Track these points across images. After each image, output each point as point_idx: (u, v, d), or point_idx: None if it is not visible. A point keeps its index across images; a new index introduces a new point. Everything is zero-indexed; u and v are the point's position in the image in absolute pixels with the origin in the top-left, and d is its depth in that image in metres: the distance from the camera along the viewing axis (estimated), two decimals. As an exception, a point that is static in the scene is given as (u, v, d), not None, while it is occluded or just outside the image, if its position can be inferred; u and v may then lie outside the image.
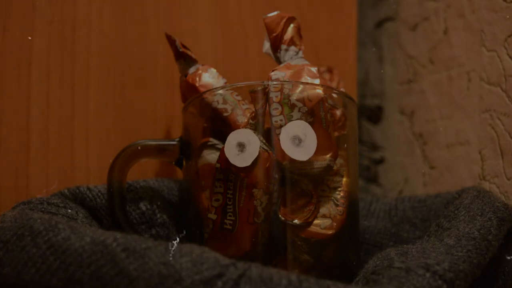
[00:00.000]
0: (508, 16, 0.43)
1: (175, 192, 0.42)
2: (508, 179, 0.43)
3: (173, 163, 0.40)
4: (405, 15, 0.57)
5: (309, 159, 0.35)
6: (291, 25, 0.38)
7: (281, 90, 0.35)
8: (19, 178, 0.41)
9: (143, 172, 0.44)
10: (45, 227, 0.30)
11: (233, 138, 0.34)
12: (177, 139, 0.39)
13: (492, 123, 0.45)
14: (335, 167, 0.37)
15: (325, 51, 0.53)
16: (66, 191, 0.39)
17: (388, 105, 0.59)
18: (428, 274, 0.29)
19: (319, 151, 0.35)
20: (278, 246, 0.35)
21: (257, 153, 0.34)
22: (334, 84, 0.45)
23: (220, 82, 0.40)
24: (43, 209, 0.35)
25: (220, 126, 0.37)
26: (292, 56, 0.38)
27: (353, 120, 0.39)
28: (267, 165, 0.34)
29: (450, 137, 0.50)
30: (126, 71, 0.45)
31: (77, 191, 0.39)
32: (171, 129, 0.47)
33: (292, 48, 0.38)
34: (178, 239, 0.41)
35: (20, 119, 0.42)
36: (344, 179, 0.37)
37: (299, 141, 0.34)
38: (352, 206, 0.38)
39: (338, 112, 0.39)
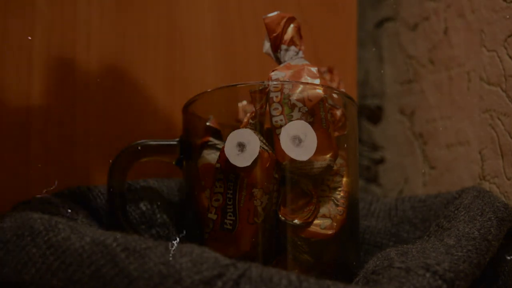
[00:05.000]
0: (508, 16, 0.43)
1: (175, 192, 0.42)
2: (508, 179, 0.43)
3: (173, 163, 0.40)
4: (405, 15, 0.57)
5: (309, 159, 0.35)
6: (291, 25, 0.38)
7: (281, 90, 0.35)
8: (19, 178, 0.41)
9: (143, 172, 0.44)
10: (45, 227, 0.30)
11: (233, 138, 0.34)
12: (177, 139, 0.39)
13: (492, 123, 0.45)
14: (335, 167, 0.37)
15: (325, 51, 0.53)
16: (66, 191, 0.39)
17: (388, 105, 0.59)
18: (428, 274, 0.29)
19: (319, 151, 0.35)
20: (278, 246, 0.35)
21: (257, 153, 0.34)
22: (334, 85, 0.45)
23: None
24: (43, 209, 0.35)
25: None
26: (292, 56, 0.38)
27: (353, 120, 0.39)
28: (267, 165, 0.34)
29: (450, 137, 0.50)
30: (126, 70, 0.45)
31: (77, 191, 0.39)
32: (171, 129, 0.47)
33: (292, 48, 0.38)
34: (178, 239, 0.41)
35: (20, 119, 0.42)
36: (344, 179, 0.37)
37: (299, 141, 0.34)
38: (352, 206, 0.38)
39: (338, 112, 0.38)
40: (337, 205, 0.36)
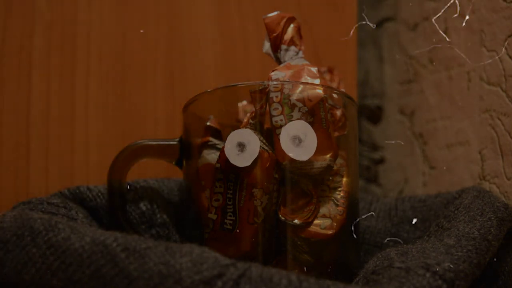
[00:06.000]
0: (508, 16, 0.43)
1: (175, 192, 0.42)
2: (508, 179, 0.43)
3: (173, 163, 0.40)
4: (405, 15, 0.57)
5: (309, 159, 0.35)
6: (291, 25, 0.38)
7: (281, 90, 0.35)
8: (19, 178, 0.41)
9: (143, 172, 0.44)
10: (45, 227, 0.30)
11: (233, 138, 0.34)
12: (177, 139, 0.39)
13: (492, 123, 0.45)
14: (335, 167, 0.37)
15: (325, 51, 0.53)
16: (66, 191, 0.39)
17: (388, 105, 0.59)
18: (428, 274, 0.29)
19: (319, 151, 0.35)
20: (278, 246, 0.35)
21: (257, 153, 0.34)
22: (334, 85, 0.45)
23: None
24: (43, 209, 0.35)
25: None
26: (292, 56, 0.38)
27: (353, 120, 0.39)
28: (267, 165, 0.34)
29: (450, 137, 0.50)
30: (126, 71, 0.45)
31: (77, 191, 0.39)
32: (171, 129, 0.47)
33: (292, 48, 0.38)
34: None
35: (20, 119, 0.42)
36: (344, 179, 0.37)
37: (299, 141, 0.34)
38: (352, 206, 0.38)
39: (338, 112, 0.38)
40: (337, 205, 0.36)
